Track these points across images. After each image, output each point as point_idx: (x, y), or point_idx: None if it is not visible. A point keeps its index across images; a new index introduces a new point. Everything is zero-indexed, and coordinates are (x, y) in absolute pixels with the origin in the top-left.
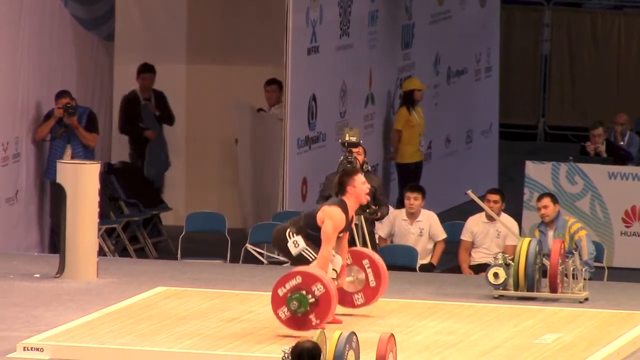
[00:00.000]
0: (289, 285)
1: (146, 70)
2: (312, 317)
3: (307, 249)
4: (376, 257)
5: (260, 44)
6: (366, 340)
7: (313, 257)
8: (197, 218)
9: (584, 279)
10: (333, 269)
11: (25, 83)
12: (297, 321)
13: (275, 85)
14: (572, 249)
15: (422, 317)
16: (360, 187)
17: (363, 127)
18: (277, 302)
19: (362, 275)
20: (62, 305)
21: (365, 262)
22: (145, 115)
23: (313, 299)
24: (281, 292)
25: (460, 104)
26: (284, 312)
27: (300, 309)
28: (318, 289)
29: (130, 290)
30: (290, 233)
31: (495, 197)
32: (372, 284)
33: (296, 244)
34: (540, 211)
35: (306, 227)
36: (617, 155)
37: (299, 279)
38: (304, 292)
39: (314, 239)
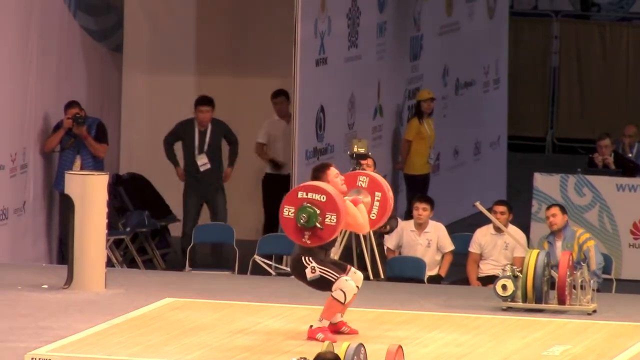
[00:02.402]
0: (312, 196)
1: (203, 103)
2: (306, 234)
3: (324, 271)
4: (390, 195)
5: (268, 56)
6: (374, 352)
7: (335, 277)
8: (205, 229)
9: (592, 291)
10: (356, 286)
11: (34, 94)
12: (293, 227)
13: (283, 97)
14: (580, 259)
15: (430, 328)
16: (334, 181)
17: (371, 138)
18: (290, 201)
19: (367, 200)
20: (70, 316)
21: (378, 194)
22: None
23: (319, 225)
24: (301, 195)
25: (469, 115)
26: (290, 212)
27: (305, 224)
28: (331, 219)
29: (138, 301)
30: (307, 259)
31: (502, 208)
32: (373, 216)
33: (313, 270)
34: (548, 219)
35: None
36: (625, 168)
37: (323, 198)
38: (318, 212)
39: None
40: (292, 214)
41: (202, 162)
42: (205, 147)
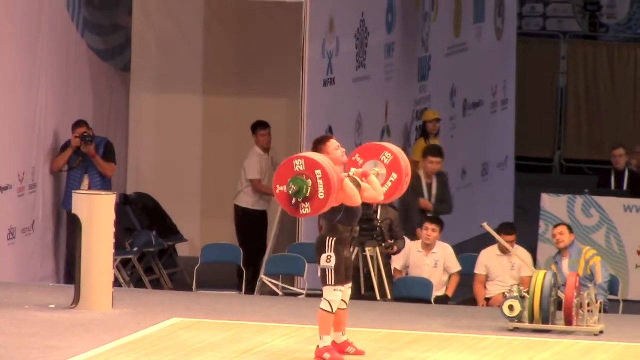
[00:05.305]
0: (319, 177)
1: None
2: (281, 188)
3: (332, 270)
4: (406, 181)
5: (276, 76)
6: None
7: (332, 283)
8: (212, 249)
9: (600, 312)
10: (343, 300)
11: (42, 113)
12: (285, 176)
13: (268, 129)
14: (586, 275)
15: (437, 349)
16: (334, 154)
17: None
18: (307, 162)
19: (383, 172)
20: (77, 336)
21: (394, 176)
22: None
23: (292, 204)
24: (317, 172)
25: (477, 136)
26: (300, 166)
27: (290, 193)
28: (304, 208)
29: (145, 321)
30: (329, 243)
31: (510, 238)
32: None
33: (328, 259)
34: (555, 237)
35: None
36: (635, 188)
37: (322, 195)
38: (306, 195)
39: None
40: (299, 169)
41: None
42: None
